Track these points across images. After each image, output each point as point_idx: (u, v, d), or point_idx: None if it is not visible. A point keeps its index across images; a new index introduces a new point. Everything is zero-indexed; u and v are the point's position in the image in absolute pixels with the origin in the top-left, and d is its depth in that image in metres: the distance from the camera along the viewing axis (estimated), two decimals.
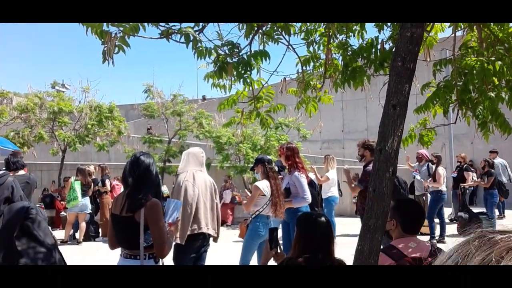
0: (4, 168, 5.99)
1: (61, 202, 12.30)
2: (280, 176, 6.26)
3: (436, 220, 9.32)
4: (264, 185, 5.29)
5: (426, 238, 8.26)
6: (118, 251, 3.25)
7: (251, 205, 5.36)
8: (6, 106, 13.63)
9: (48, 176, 14.60)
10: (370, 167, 5.95)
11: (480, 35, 3.38)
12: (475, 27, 3.50)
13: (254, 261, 5.50)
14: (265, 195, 5.26)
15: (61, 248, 3.42)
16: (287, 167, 6.03)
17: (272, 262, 3.17)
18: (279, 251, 3.01)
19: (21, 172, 6.58)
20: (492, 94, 3.36)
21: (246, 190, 5.87)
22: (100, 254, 8.70)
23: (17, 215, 2.74)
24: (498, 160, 12.20)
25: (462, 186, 10.78)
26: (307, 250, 2.61)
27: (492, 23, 3.44)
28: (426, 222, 9.34)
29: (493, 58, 3.28)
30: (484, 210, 10.02)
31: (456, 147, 13.91)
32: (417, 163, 9.94)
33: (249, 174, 12.12)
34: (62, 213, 11.91)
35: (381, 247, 2.60)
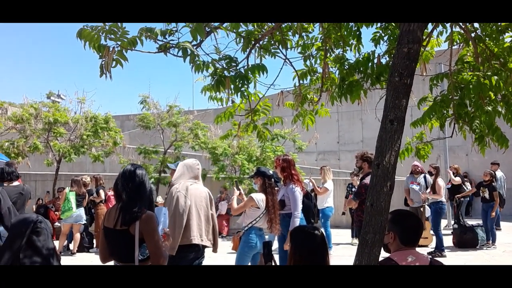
0: None
1: (55, 213, 12.21)
2: (276, 188, 6.24)
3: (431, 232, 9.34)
4: (259, 197, 5.26)
5: (425, 250, 8.24)
6: (110, 263, 3.22)
7: (239, 211, 5.33)
8: (1, 116, 13.55)
9: (42, 186, 14.52)
10: (366, 180, 5.95)
11: (476, 50, 3.40)
12: (470, 42, 3.52)
13: None
14: (259, 208, 5.23)
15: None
16: (282, 179, 6.02)
17: None
18: (273, 264, 2.99)
19: (15, 183, 6.53)
20: (489, 108, 3.38)
21: (235, 188, 5.80)
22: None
23: (25, 227, 2.73)
24: (499, 173, 12.21)
25: (457, 198, 10.80)
26: (302, 263, 2.60)
27: (487, 38, 3.47)
28: (424, 234, 9.34)
29: (489, 73, 3.30)
30: (479, 222, 10.04)
31: (452, 159, 13.94)
32: (411, 174, 9.94)
33: (245, 185, 12.10)
34: (56, 223, 11.81)
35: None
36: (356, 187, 8.90)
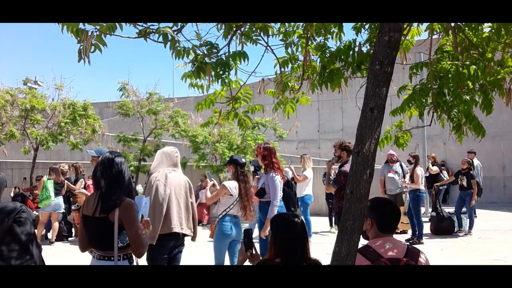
0: None
1: (34, 202, 12.04)
2: (257, 176, 6.25)
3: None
4: (232, 185, 5.31)
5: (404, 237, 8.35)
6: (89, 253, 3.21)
7: (213, 200, 5.42)
8: None
9: (19, 174, 14.29)
10: (344, 167, 6.04)
11: (455, 40, 3.43)
12: (450, 31, 3.55)
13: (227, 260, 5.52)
14: (232, 195, 5.28)
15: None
16: (263, 167, 6.04)
17: (248, 264, 3.16)
18: (254, 252, 3.00)
19: None
20: (467, 97, 3.42)
21: (208, 179, 5.86)
22: (73, 254, 8.56)
23: (6, 216, 2.66)
24: (475, 161, 12.43)
25: (436, 186, 10.97)
26: (283, 251, 2.61)
27: (466, 28, 3.50)
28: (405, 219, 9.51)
29: (467, 62, 3.34)
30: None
31: (430, 147, 14.15)
32: (386, 163, 10.06)
33: (225, 173, 12.10)
34: (34, 212, 11.65)
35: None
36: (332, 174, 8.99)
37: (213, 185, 5.65)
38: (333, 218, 10.47)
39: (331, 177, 6.43)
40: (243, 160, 5.53)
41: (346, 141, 6.26)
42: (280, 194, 5.89)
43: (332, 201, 9.41)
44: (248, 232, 3.04)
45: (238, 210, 5.32)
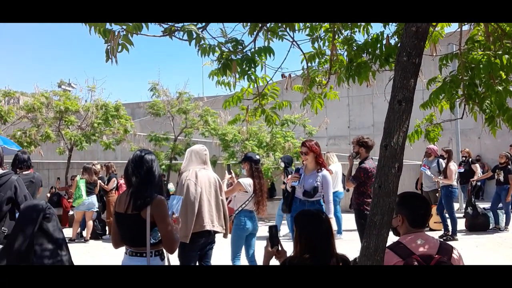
0: (8, 167, 5.97)
1: (68, 200, 12.36)
2: (295, 176, 6.04)
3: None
4: (247, 182, 5.47)
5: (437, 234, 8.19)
6: (123, 249, 3.25)
7: (228, 194, 5.55)
8: (13, 106, 13.65)
9: (55, 175, 14.65)
10: (365, 164, 5.95)
11: (487, 29, 3.33)
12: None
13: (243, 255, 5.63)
14: (247, 192, 5.43)
15: (68, 246, 3.43)
16: (318, 165, 5.82)
17: (274, 261, 3.15)
18: (280, 249, 2.98)
19: (26, 171, 6.59)
20: (499, 88, 3.31)
21: (227, 173, 5.96)
22: (107, 252, 8.74)
23: (36, 213, 2.74)
24: None
25: (472, 181, 10.68)
26: (308, 247, 2.60)
27: None
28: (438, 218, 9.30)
29: (500, 52, 3.24)
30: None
31: (463, 142, 13.80)
32: (425, 158, 9.87)
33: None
34: (70, 212, 11.96)
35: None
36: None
37: (231, 177, 5.84)
38: None
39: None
40: (257, 157, 5.69)
41: (364, 137, 6.20)
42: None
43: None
44: (272, 230, 3.02)
45: (253, 206, 5.48)
